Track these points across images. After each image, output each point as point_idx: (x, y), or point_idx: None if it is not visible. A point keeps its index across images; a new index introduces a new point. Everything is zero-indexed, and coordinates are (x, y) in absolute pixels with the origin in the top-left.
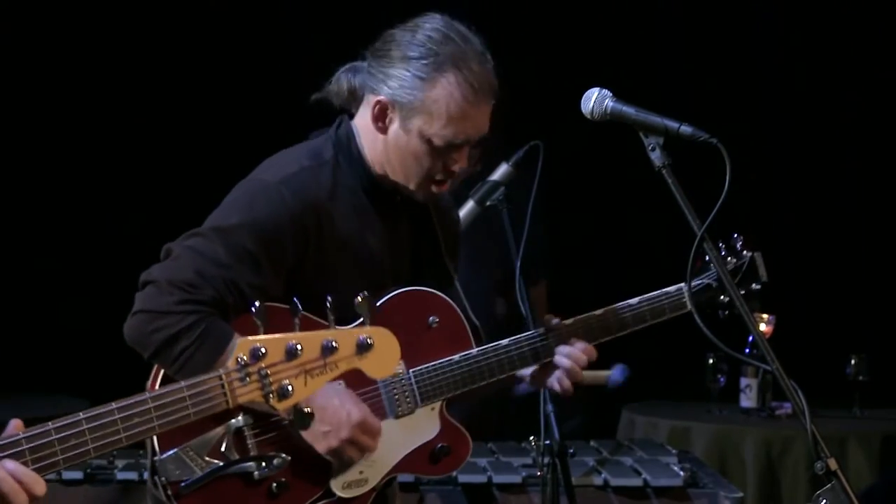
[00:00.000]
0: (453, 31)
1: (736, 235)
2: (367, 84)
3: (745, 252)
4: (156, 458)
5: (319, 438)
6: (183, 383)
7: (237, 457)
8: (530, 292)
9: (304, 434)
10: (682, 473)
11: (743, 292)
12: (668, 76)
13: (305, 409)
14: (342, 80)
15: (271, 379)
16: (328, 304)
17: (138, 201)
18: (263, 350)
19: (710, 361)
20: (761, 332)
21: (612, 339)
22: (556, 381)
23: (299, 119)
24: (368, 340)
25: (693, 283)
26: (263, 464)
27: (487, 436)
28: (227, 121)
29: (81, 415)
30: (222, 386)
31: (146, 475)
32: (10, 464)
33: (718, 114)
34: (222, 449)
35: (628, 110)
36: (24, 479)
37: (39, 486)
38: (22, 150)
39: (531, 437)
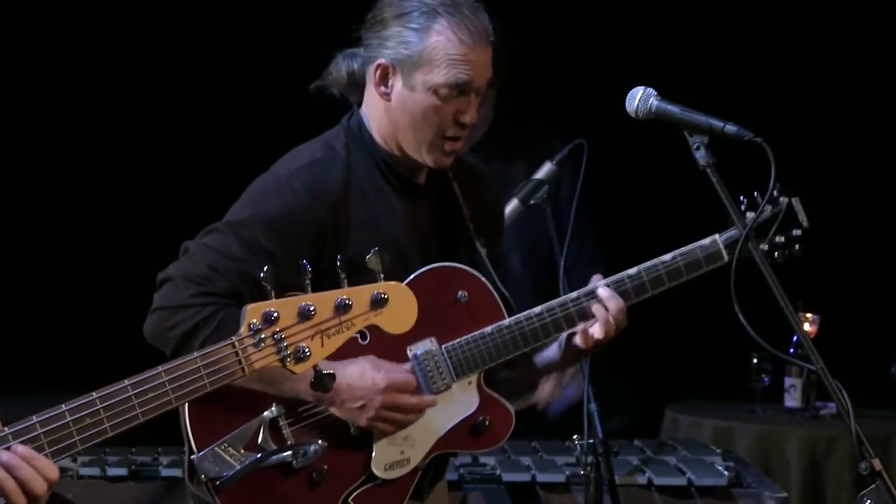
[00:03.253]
0: None
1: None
2: (367, 56)
3: (781, 199)
4: (193, 456)
5: (358, 415)
6: (195, 354)
7: (274, 447)
8: None
9: (343, 415)
10: (726, 473)
11: (783, 238)
12: (712, 76)
13: (325, 371)
14: (340, 66)
15: (286, 342)
16: (338, 263)
17: (165, 202)
18: (276, 314)
19: (754, 361)
20: (806, 331)
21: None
22: (579, 335)
23: (326, 115)
24: (383, 295)
25: (727, 235)
26: (301, 452)
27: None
28: (255, 120)
29: (95, 394)
30: (236, 353)
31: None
32: (22, 448)
33: (762, 113)
34: (259, 441)
35: (673, 109)
36: (37, 464)
37: (52, 471)
38: (54, 150)
39: (575, 436)
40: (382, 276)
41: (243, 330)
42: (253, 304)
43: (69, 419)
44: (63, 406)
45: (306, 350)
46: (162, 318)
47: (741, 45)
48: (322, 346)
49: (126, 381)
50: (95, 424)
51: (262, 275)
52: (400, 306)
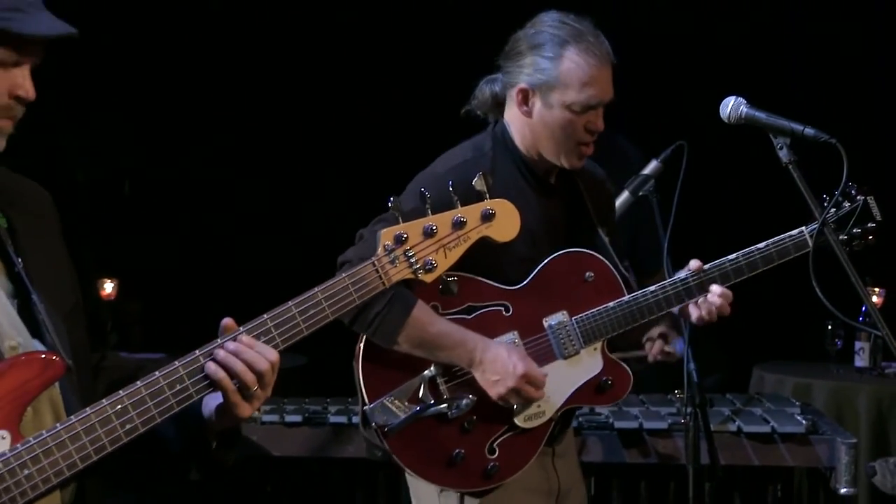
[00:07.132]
0: (567, 18)
1: (850, 183)
2: (507, 82)
3: (858, 196)
4: (365, 407)
5: (490, 385)
6: (344, 275)
7: (433, 401)
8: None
9: (480, 381)
10: (804, 422)
11: (860, 230)
12: (792, 84)
13: (449, 279)
14: (485, 90)
15: (416, 257)
16: (450, 188)
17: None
18: (405, 235)
19: (829, 328)
20: (873, 302)
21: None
22: (696, 313)
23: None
24: (490, 211)
25: (812, 227)
26: (455, 404)
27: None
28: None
29: (265, 315)
30: (377, 271)
31: (355, 420)
32: (246, 337)
33: (840, 115)
34: (420, 395)
35: (760, 115)
36: (258, 348)
37: (272, 352)
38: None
39: (676, 391)
40: (488, 195)
41: (380, 251)
42: (386, 229)
43: (270, 324)
44: (265, 315)
45: (433, 262)
46: None
47: (820, 56)
48: (445, 257)
49: (290, 303)
50: (293, 327)
51: (390, 204)
52: (505, 219)
